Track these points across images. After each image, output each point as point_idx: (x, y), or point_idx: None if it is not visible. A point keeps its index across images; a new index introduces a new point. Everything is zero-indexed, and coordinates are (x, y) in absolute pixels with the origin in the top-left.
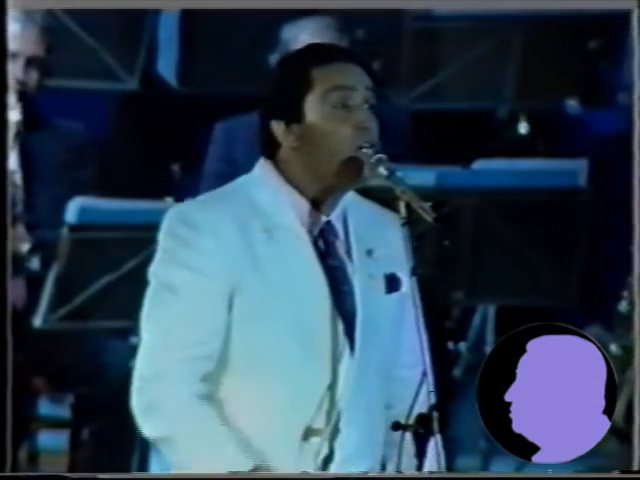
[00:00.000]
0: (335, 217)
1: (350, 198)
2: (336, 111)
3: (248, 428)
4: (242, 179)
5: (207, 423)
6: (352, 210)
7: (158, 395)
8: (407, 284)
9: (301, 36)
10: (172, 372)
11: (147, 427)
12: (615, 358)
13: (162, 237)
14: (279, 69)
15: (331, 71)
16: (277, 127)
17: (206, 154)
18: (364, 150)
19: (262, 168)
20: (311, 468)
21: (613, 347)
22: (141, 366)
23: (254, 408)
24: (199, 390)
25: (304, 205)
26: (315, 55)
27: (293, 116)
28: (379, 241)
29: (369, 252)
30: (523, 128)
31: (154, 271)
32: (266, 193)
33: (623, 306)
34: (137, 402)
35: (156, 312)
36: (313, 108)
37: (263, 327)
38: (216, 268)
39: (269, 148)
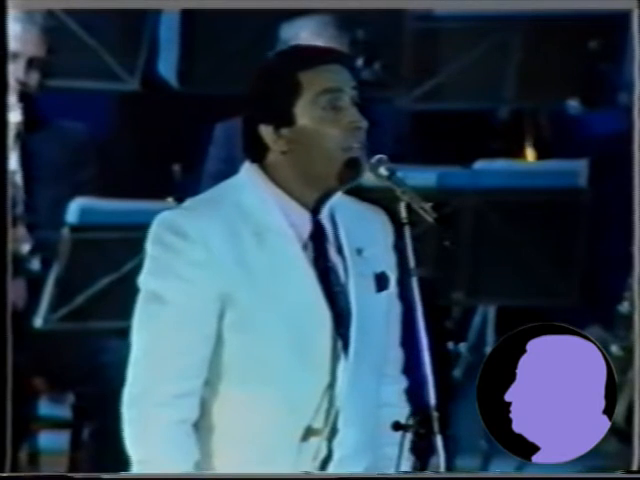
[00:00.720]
0: (324, 217)
1: (337, 197)
2: (326, 113)
3: (246, 430)
4: (228, 183)
5: (183, 453)
6: (339, 209)
7: (140, 414)
8: (394, 283)
9: (301, 35)
10: (154, 394)
11: (128, 442)
12: (616, 359)
13: (150, 245)
14: (265, 73)
15: (318, 74)
16: (266, 131)
17: (207, 154)
18: (354, 150)
19: (249, 172)
20: (310, 468)
21: (614, 348)
22: (130, 380)
23: (252, 411)
24: (182, 415)
25: (293, 208)
26: (301, 58)
27: (283, 120)
28: (367, 239)
29: (359, 251)
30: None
31: (142, 281)
32: (254, 197)
33: (624, 307)
34: (124, 414)
35: (145, 324)
36: (304, 112)
37: (258, 333)
38: (205, 278)
39: (257, 152)
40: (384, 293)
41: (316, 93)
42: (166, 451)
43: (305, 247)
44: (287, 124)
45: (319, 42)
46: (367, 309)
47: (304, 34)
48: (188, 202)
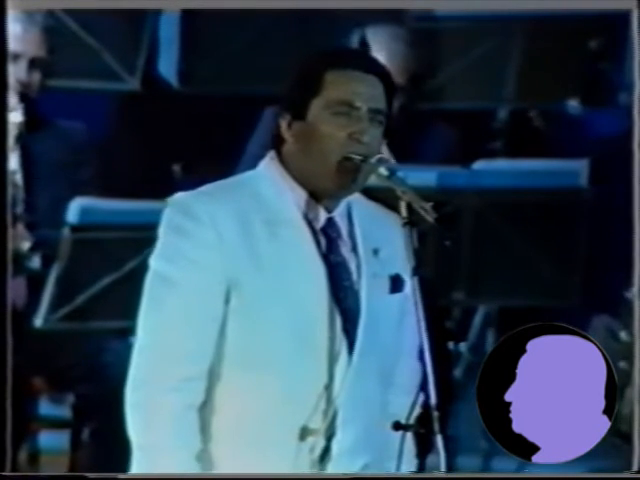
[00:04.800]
0: (339, 214)
1: (354, 197)
2: (336, 118)
3: (243, 417)
4: (247, 174)
5: (187, 440)
6: (357, 209)
7: (146, 398)
8: (409, 286)
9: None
10: (162, 378)
11: (131, 427)
12: (625, 345)
13: (162, 227)
14: (300, 67)
15: (343, 80)
16: (283, 121)
17: (208, 153)
18: (353, 160)
19: (268, 162)
20: (308, 468)
21: (623, 334)
22: (135, 365)
23: (250, 406)
24: (189, 400)
25: (308, 202)
26: (334, 56)
27: (297, 113)
28: (384, 241)
29: (375, 251)
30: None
31: (151, 262)
32: (270, 187)
33: (631, 293)
34: (128, 398)
35: (152, 307)
36: (315, 111)
37: (260, 322)
38: (214, 260)
39: (275, 141)
40: (397, 296)
41: (331, 101)
42: (171, 437)
43: (317, 242)
44: (299, 117)
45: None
46: (377, 309)
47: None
48: (205, 187)
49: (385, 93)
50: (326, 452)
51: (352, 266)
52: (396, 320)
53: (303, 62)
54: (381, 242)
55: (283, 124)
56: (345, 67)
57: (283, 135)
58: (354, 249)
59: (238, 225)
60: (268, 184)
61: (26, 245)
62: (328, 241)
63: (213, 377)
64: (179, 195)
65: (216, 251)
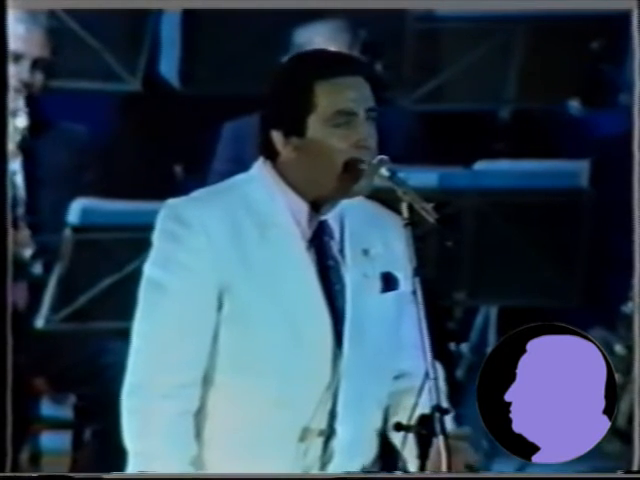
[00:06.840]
0: (331, 217)
1: (351, 200)
2: (337, 130)
3: (240, 432)
4: (239, 177)
5: (182, 446)
6: (349, 210)
7: (141, 405)
8: (405, 284)
9: (315, 40)
10: (156, 385)
11: (126, 433)
12: (620, 358)
13: (154, 234)
14: (282, 77)
15: (335, 89)
16: (277, 136)
17: (210, 154)
18: (361, 166)
19: (260, 168)
20: (307, 468)
21: (618, 347)
22: (130, 371)
23: (246, 411)
24: (184, 406)
25: (300, 205)
26: (319, 67)
27: (294, 130)
28: (376, 241)
29: (365, 251)
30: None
31: (145, 269)
32: (262, 192)
33: (628, 306)
34: (124, 404)
35: (146, 314)
36: (315, 127)
37: (253, 326)
38: (205, 266)
39: (268, 153)
40: (391, 294)
41: (329, 114)
42: (166, 443)
43: (308, 245)
44: (297, 134)
45: (333, 47)
46: (366, 309)
47: (318, 39)
48: (196, 192)
49: (372, 89)
50: (325, 452)
51: (343, 268)
52: (392, 318)
53: (285, 73)
54: (372, 242)
55: (277, 139)
56: (332, 75)
57: (278, 148)
58: (342, 251)
59: (229, 229)
60: (260, 188)
61: (28, 252)
62: (320, 244)
63: (207, 383)
64: (170, 201)
65: (207, 256)
